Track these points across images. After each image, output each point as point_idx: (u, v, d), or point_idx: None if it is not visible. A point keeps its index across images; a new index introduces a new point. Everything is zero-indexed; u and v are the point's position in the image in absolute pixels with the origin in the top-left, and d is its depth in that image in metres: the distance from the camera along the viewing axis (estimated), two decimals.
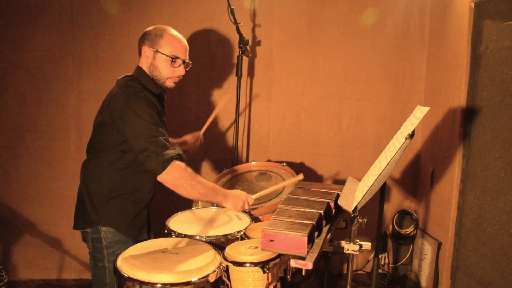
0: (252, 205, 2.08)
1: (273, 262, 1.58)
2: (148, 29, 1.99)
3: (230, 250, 1.64)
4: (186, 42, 2.02)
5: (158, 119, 1.86)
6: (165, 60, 1.95)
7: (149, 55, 1.95)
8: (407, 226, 3.21)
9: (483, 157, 2.54)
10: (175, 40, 1.97)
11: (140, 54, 2.00)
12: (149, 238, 2.06)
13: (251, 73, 3.16)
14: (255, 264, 1.56)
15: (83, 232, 1.96)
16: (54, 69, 2.97)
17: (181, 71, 2.00)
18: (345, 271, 3.42)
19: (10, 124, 2.98)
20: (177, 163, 1.80)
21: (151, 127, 1.80)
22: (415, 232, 3.22)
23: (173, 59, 1.95)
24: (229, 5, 2.61)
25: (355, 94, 3.26)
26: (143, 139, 1.78)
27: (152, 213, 2.10)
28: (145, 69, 1.98)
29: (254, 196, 2.04)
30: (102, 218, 1.90)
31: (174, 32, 1.98)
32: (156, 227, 2.22)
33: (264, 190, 2.12)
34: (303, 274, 1.49)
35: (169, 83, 2.01)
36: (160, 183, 1.85)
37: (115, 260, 1.60)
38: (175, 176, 1.79)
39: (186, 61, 2.01)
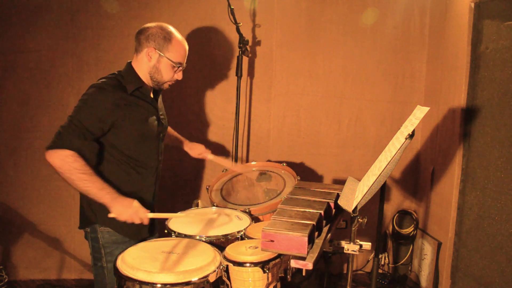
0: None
1: (273, 262, 1.58)
2: (150, 26, 1.93)
3: (230, 250, 1.64)
4: (187, 45, 2.01)
5: (97, 117, 1.80)
6: (170, 65, 1.93)
7: (153, 57, 1.92)
8: (407, 226, 3.21)
9: (483, 157, 2.54)
10: (181, 47, 1.95)
11: (138, 51, 1.95)
12: (153, 237, 2.05)
13: (251, 73, 3.16)
14: (255, 264, 1.56)
15: (84, 231, 1.98)
16: (54, 69, 2.97)
17: (180, 75, 2.00)
18: (345, 271, 3.42)
19: (10, 124, 2.98)
20: (66, 152, 1.75)
21: (80, 116, 1.78)
22: (415, 232, 3.22)
23: (178, 66, 1.95)
24: (229, 5, 2.61)
25: (355, 94, 3.26)
26: (67, 122, 1.78)
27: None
28: (141, 68, 1.94)
29: (150, 215, 1.87)
30: (98, 217, 1.89)
31: (179, 35, 1.96)
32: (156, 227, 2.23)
33: (165, 213, 1.98)
34: (303, 274, 1.49)
35: (167, 86, 2.02)
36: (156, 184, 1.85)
37: (115, 260, 1.60)
38: (56, 164, 1.75)
39: (184, 65, 2.01)
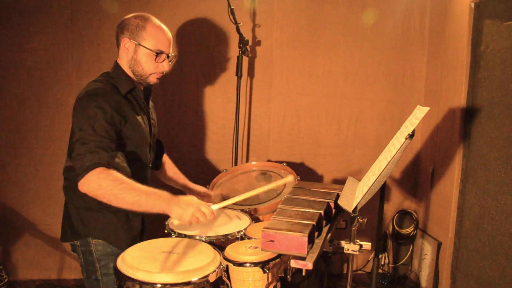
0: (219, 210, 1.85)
1: (273, 262, 1.58)
2: (127, 17, 1.80)
3: (230, 250, 1.64)
4: (170, 34, 1.84)
5: (106, 121, 1.64)
6: (148, 54, 1.76)
7: (130, 48, 1.77)
8: (407, 226, 3.21)
9: (483, 157, 2.54)
10: (159, 32, 1.78)
11: (118, 46, 1.82)
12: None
13: (251, 73, 3.16)
14: (255, 264, 1.56)
15: (72, 244, 1.84)
16: (54, 69, 2.96)
17: (165, 66, 1.81)
18: (345, 271, 3.42)
19: (10, 124, 2.98)
20: (98, 170, 1.55)
21: (89, 130, 1.60)
22: (415, 232, 3.22)
23: (158, 54, 1.77)
24: (229, 5, 2.61)
25: (355, 94, 3.26)
26: (77, 138, 1.60)
27: (152, 213, 2.09)
28: (124, 63, 1.81)
29: (214, 207, 1.72)
30: (91, 230, 1.77)
31: (157, 22, 1.80)
32: (156, 227, 2.22)
33: (230, 199, 1.81)
34: (303, 274, 1.49)
35: (152, 79, 1.83)
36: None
37: (115, 260, 1.60)
38: (93, 186, 1.55)
39: (170, 55, 1.82)
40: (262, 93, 3.20)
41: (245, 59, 3.03)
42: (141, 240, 1.86)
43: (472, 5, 2.59)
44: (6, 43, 2.89)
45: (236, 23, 2.68)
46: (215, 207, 1.73)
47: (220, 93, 3.13)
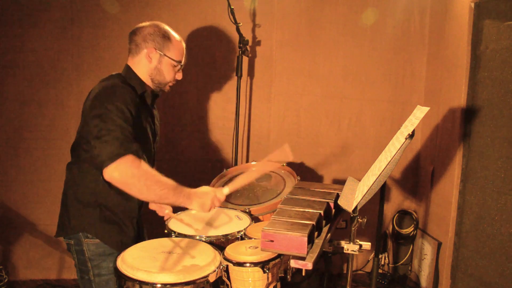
0: (230, 201, 1.96)
1: (273, 262, 1.58)
2: (145, 26, 1.83)
3: (230, 250, 1.64)
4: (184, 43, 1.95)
5: (130, 114, 1.65)
6: (172, 65, 1.85)
7: (154, 58, 1.82)
8: (407, 226, 3.21)
9: (483, 157, 2.54)
10: (180, 44, 1.88)
11: (135, 53, 1.84)
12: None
13: (251, 73, 3.16)
14: (255, 264, 1.56)
15: (67, 243, 1.83)
16: (53, 69, 2.97)
17: (180, 75, 1.92)
18: (345, 271, 3.42)
19: (10, 124, 2.98)
20: (131, 158, 1.56)
21: (116, 118, 1.60)
22: (415, 232, 3.22)
23: (178, 64, 1.87)
24: (229, 5, 2.61)
25: (355, 94, 3.26)
26: (102, 127, 1.58)
27: (152, 213, 2.09)
28: (141, 70, 1.84)
29: (226, 190, 1.80)
30: (86, 226, 1.76)
31: (175, 33, 1.89)
32: (156, 227, 2.22)
33: (238, 181, 1.87)
34: (303, 274, 1.49)
35: (167, 88, 1.93)
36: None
37: (115, 260, 1.60)
38: (127, 173, 1.54)
39: (183, 64, 1.92)
40: (262, 93, 3.20)
41: (245, 59, 3.03)
42: (136, 241, 1.84)
43: (472, 5, 2.59)
44: (6, 43, 2.89)
45: (236, 23, 2.68)
46: (226, 190, 1.81)
47: (220, 93, 3.13)
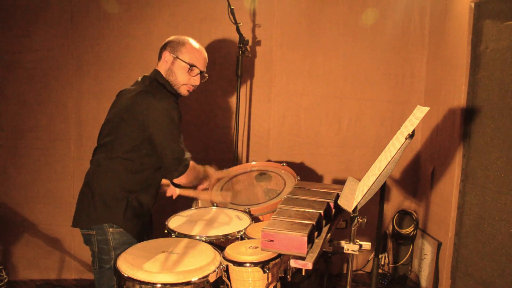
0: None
1: (273, 262, 1.58)
2: (171, 37, 2.09)
3: (230, 250, 1.64)
4: (206, 54, 2.11)
5: (179, 122, 1.94)
6: (183, 67, 2.02)
7: (168, 60, 2.03)
8: (407, 226, 3.21)
9: (483, 157, 2.54)
10: (195, 50, 2.06)
11: (159, 58, 2.08)
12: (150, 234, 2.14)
13: (251, 73, 3.16)
14: (255, 264, 1.56)
15: (86, 234, 1.93)
16: (54, 69, 2.97)
17: (196, 80, 2.07)
18: (345, 271, 3.42)
19: (10, 124, 2.98)
20: (191, 166, 1.99)
21: (177, 132, 1.92)
22: (415, 232, 3.22)
23: (191, 67, 2.03)
24: (229, 5, 2.61)
25: (355, 94, 3.26)
26: (173, 144, 1.91)
27: (152, 213, 2.10)
28: (162, 72, 2.05)
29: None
30: (113, 217, 1.88)
31: (196, 43, 2.09)
32: (156, 227, 2.22)
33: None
34: (303, 274, 1.49)
35: (183, 90, 2.07)
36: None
37: (115, 260, 1.60)
38: (191, 178, 2.03)
39: (204, 72, 2.09)
40: (262, 93, 3.20)
41: (245, 59, 3.03)
42: (150, 228, 2.15)
43: (472, 5, 2.59)
44: (6, 43, 2.90)
45: (236, 23, 2.68)
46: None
47: (220, 93, 3.13)
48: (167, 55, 2.04)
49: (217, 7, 3.00)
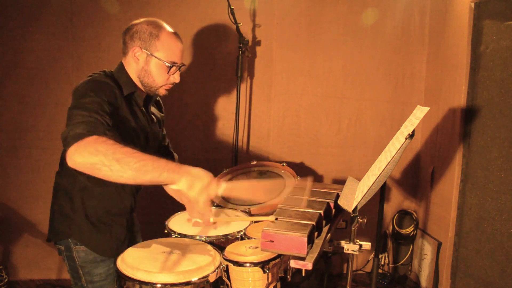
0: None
1: (273, 262, 1.58)
2: (137, 22, 1.67)
3: (230, 250, 1.64)
4: (181, 41, 1.73)
5: (107, 107, 1.49)
6: (161, 66, 1.66)
7: (140, 57, 1.67)
8: (407, 226, 3.21)
9: (483, 157, 2.54)
10: (173, 43, 1.67)
11: (124, 53, 1.71)
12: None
13: (251, 73, 3.16)
14: (255, 264, 1.56)
15: (58, 248, 1.77)
16: (54, 69, 2.97)
17: (176, 78, 1.72)
18: (345, 271, 3.42)
19: (10, 124, 2.98)
20: (93, 137, 1.32)
21: (90, 106, 1.45)
22: (415, 232, 3.22)
23: (171, 66, 1.67)
24: (229, 5, 2.61)
25: (355, 94, 3.26)
26: (74, 113, 1.45)
27: (151, 213, 2.09)
28: (132, 71, 1.71)
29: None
30: (73, 232, 1.70)
31: (170, 29, 1.69)
32: (156, 227, 2.22)
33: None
34: (303, 274, 1.49)
35: (162, 91, 1.74)
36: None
37: (115, 260, 1.60)
38: (90, 152, 1.27)
39: (181, 65, 1.72)
40: (262, 93, 3.20)
41: (245, 59, 3.04)
42: (129, 246, 1.71)
43: (472, 5, 2.59)
44: (6, 43, 2.89)
45: (236, 23, 2.68)
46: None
47: (220, 93, 3.13)
48: (137, 52, 1.65)
49: (217, 7, 3.00)
